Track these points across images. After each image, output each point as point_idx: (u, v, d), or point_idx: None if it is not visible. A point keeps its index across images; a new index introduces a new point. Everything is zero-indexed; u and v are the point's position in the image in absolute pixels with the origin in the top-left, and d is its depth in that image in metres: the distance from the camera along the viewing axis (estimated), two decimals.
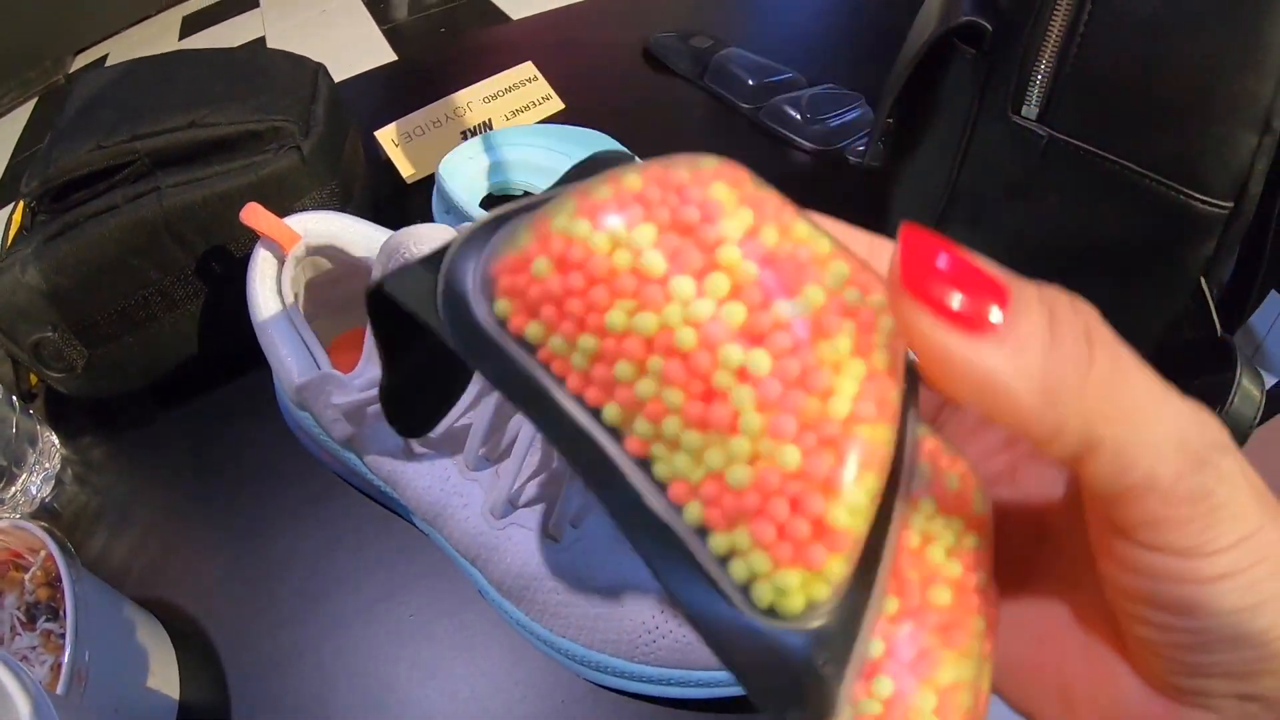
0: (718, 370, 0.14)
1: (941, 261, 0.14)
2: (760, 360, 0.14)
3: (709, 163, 0.16)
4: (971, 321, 0.13)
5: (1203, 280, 0.37)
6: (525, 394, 0.15)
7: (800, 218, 0.16)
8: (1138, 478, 0.14)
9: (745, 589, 0.14)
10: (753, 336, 0.14)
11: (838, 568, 0.14)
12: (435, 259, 0.17)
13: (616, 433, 0.14)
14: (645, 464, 0.14)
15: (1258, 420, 0.34)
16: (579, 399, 0.15)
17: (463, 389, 0.26)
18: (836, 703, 0.14)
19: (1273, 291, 0.41)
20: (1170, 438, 0.14)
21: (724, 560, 0.14)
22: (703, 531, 0.14)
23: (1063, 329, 0.14)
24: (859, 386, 0.14)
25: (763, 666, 0.14)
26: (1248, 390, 0.34)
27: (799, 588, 0.13)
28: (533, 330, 0.15)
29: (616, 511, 0.14)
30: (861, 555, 0.14)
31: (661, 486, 0.14)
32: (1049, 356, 0.13)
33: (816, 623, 0.14)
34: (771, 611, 0.14)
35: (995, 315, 0.14)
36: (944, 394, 0.14)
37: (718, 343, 0.14)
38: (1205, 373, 0.38)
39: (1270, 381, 0.36)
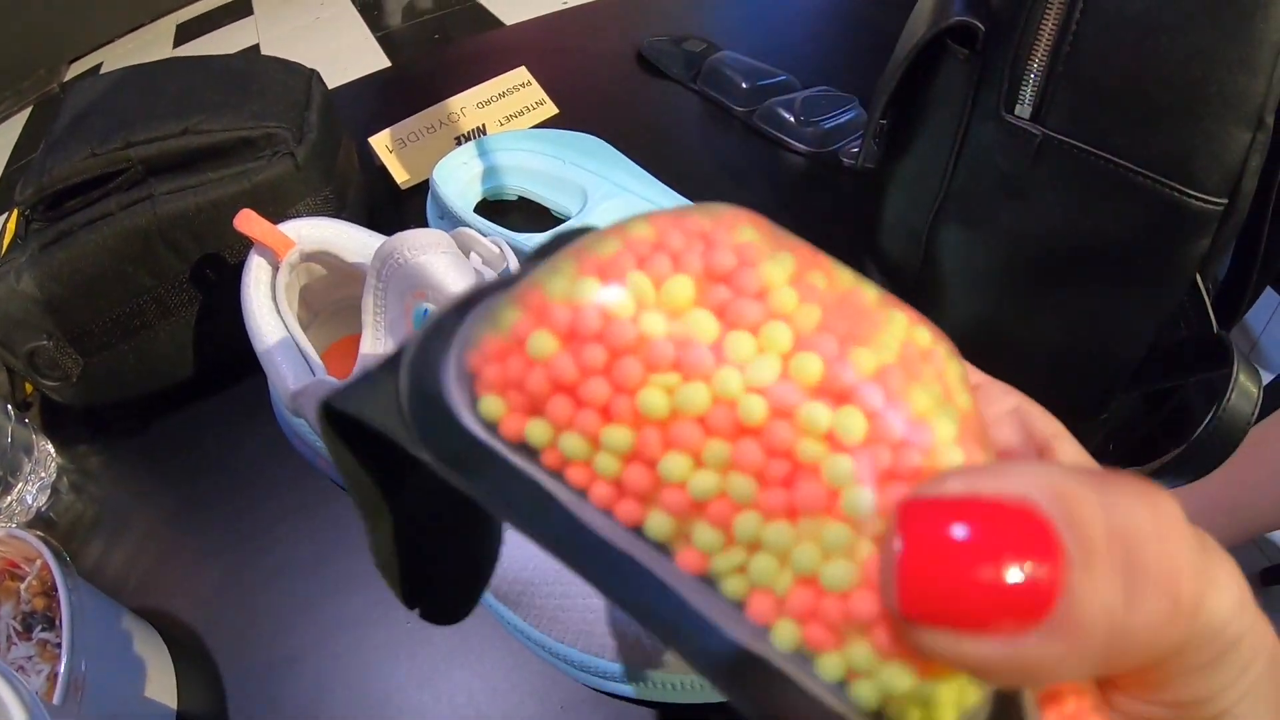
0: (802, 440, 0.11)
1: (956, 540, 0.10)
2: (853, 421, 0.11)
3: (725, 208, 0.13)
4: (1014, 621, 0.10)
5: (1198, 277, 0.37)
6: (535, 514, 0.12)
7: (833, 260, 0.13)
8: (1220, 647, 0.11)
9: (878, 717, 0.11)
10: (836, 394, 0.11)
11: None
12: (393, 362, 0.13)
13: (665, 549, 0.12)
14: (709, 582, 0.11)
15: (1255, 416, 0.34)
16: (609, 514, 0.12)
17: (497, 545, 0.20)
18: None
19: (1268, 289, 0.41)
20: (1235, 599, 0.12)
21: (842, 685, 0.11)
22: (804, 656, 0.11)
23: (1142, 579, 0.10)
24: (957, 432, 0.12)
25: None
26: (1245, 386, 0.34)
27: (952, 699, 0.11)
28: (535, 432, 0.12)
29: (688, 653, 0.11)
30: None
31: (737, 605, 0.11)
32: (1118, 628, 0.10)
33: None
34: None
35: (1046, 603, 0.10)
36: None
37: (795, 407, 0.11)
38: (1202, 370, 0.38)
39: (1266, 378, 0.36)
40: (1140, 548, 0.10)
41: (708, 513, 0.11)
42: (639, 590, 0.12)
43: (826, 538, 0.11)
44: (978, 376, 0.18)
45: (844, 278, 0.13)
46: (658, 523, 0.11)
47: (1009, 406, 0.18)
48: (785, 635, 0.11)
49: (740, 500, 0.11)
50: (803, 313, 0.12)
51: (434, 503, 0.17)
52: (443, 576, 0.18)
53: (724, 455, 0.11)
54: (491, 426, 0.12)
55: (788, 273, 0.12)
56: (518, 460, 0.12)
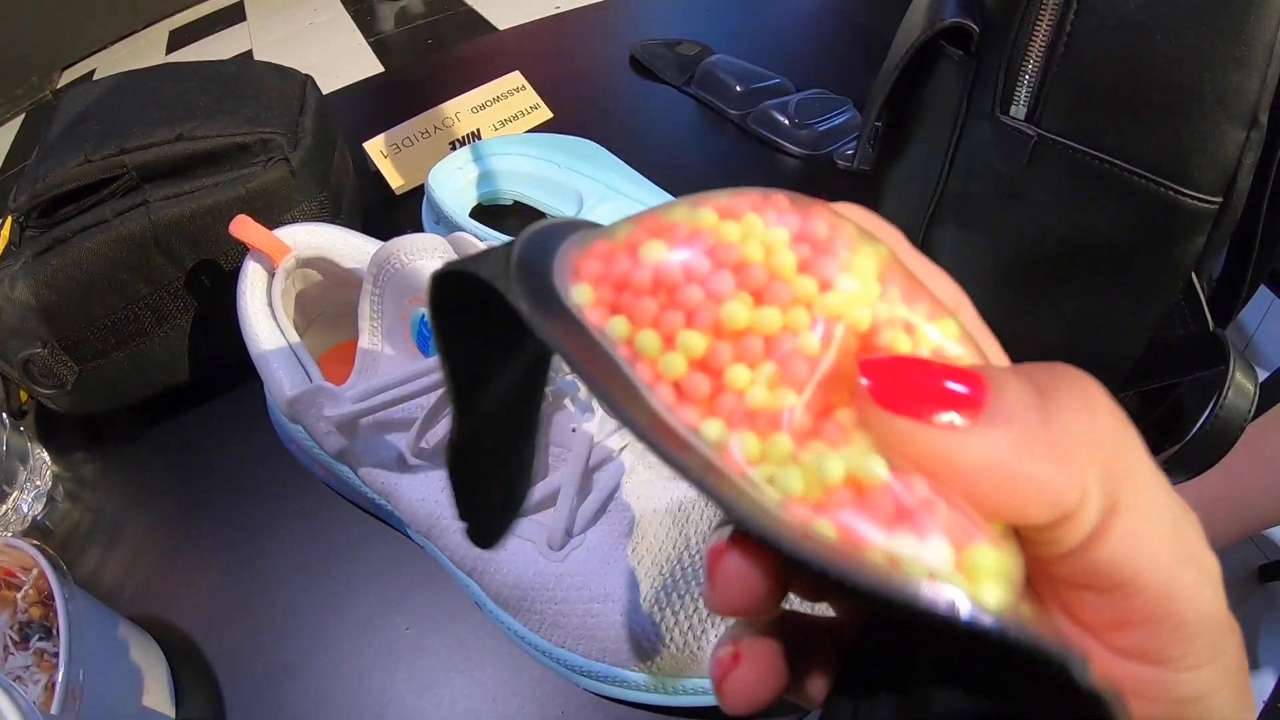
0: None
1: (908, 372, 0.13)
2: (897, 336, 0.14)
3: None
4: (954, 412, 0.13)
5: (1194, 276, 0.37)
6: (610, 386, 0.13)
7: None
8: (1146, 559, 0.13)
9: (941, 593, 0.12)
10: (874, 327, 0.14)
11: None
12: (508, 246, 0.15)
13: (718, 447, 0.13)
14: (754, 485, 0.13)
15: (1251, 414, 0.34)
16: (671, 410, 0.13)
17: (529, 482, 0.22)
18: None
19: (1261, 287, 0.41)
20: (1168, 516, 0.13)
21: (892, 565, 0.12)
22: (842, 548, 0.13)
23: (1056, 390, 0.13)
24: (965, 350, 0.15)
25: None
26: (1241, 384, 0.34)
27: (994, 565, 0.13)
28: (617, 325, 0.14)
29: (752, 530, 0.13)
30: None
31: (781, 502, 0.13)
32: (1048, 415, 0.13)
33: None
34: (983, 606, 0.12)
35: (975, 400, 0.13)
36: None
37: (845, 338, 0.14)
38: (1198, 368, 0.38)
39: (1262, 375, 0.36)
40: (1044, 378, 0.13)
41: (756, 422, 0.13)
42: (685, 468, 0.13)
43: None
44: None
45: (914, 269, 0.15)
46: (712, 426, 0.13)
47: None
48: (823, 528, 0.13)
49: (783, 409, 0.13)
50: (865, 287, 0.14)
51: (500, 416, 0.18)
52: (487, 502, 0.20)
53: (776, 374, 0.13)
54: (579, 309, 0.14)
55: (873, 261, 0.14)
56: (603, 339, 0.14)
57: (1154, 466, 0.14)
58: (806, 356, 0.13)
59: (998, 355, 0.18)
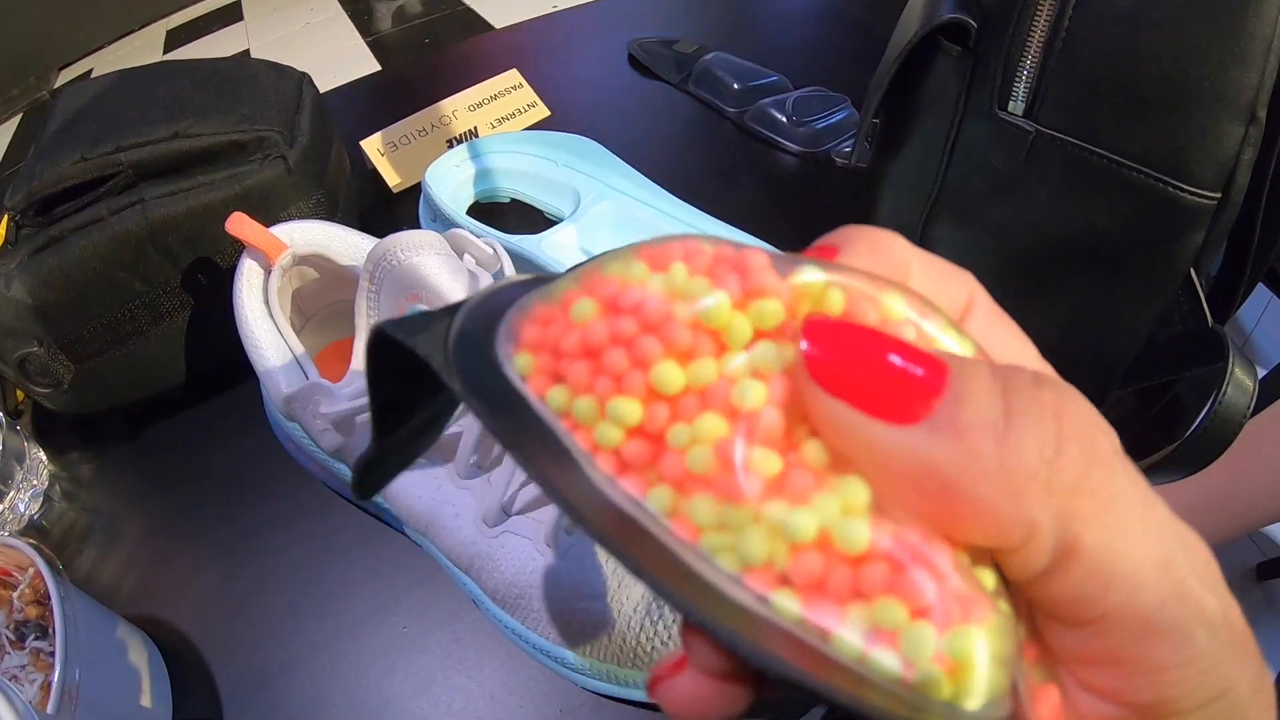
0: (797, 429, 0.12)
1: (856, 344, 0.12)
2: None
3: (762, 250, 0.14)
4: (899, 407, 0.11)
5: (1192, 272, 0.37)
6: (550, 462, 0.13)
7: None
8: (1117, 600, 0.12)
9: (902, 681, 0.11)
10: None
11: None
12: (450, 310, 0.14)
13: (663, 518, 0.12)
14: (705, 555, 0.12)
15: (1251, 410, 0.34)
16: (614, 481, 0.12)
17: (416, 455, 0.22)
18: None
19: (1259, 285, 0.41)
20: (1154, 556, 0.12)
21: (865, 649, 0.11)
22: (809, 628, 0.11)
23: (1022, 407, 0.12)
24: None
25: None
26: (1240, 380, 0.34)
27: (985, 648, 0.11)
28: (556, 396, 0.13)
29: (705, 623, 0.12)
30: None
31: (736, 578, 0.12)
32: (1004, 441, 0.11)
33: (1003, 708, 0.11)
34: (954, 699, 0.11)
35: (930, 390, 0.11)
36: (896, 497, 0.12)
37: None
38: (1197, 364, 0.38)
39: (1260, 373, 0.36)
40: (1016, 388, 0.12)
41: (707, 485, 0.12)
42: (637, 552, 0.12)
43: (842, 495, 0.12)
44: (1047, 369, 0.17)
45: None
46: (659, 495, 0.12)
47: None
48: (786, 604, 0.12)
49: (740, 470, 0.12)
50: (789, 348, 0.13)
51: (414, 436, 0.18)
52: (385, 469, 0.19)
53: (720, 426, 0.12)
54: (521, 380, 0.13)
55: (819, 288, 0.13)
56: (544, 412, 0.13)
57: (1142, 499, 0.13)
58: (751, 404, 0.12)
59: (1020, 344, 0.17)
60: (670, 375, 0.12)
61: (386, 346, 0.15)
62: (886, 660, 0.11)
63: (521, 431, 0.13)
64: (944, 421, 0.11)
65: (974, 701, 0.11)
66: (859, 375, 0.11)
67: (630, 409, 0.12)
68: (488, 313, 0.14)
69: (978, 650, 0.11)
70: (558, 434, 0.13)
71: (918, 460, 0.11)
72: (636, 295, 0.13)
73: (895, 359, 0.12)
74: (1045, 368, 0.17)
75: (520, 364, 0.13)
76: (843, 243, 0.16)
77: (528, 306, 0.14)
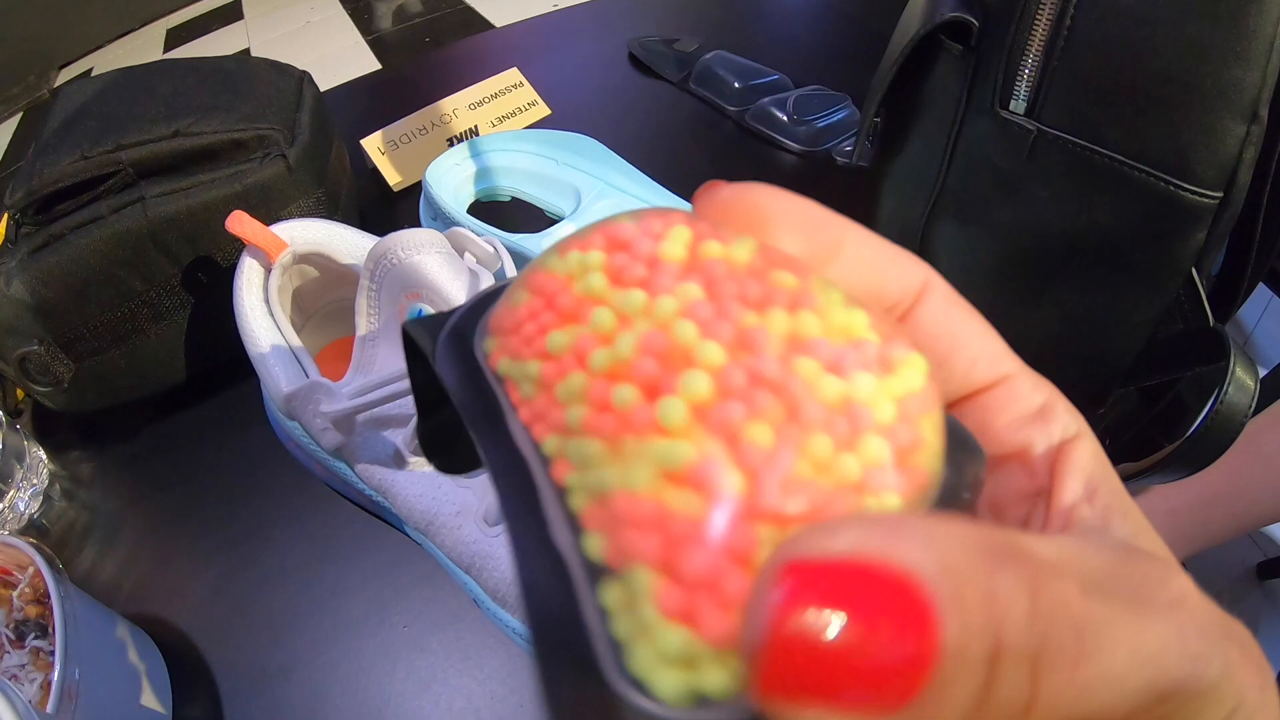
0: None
1: (833, 633, 0.09)
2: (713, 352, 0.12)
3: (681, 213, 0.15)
4: (876, 703, 0.09)
5: (1194, 271, 0.37)
6: (483, 417, 0.14)
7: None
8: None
9: (620, 648, 0.11)
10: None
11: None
12: (454, 310, 0.17)
13: (547, 462, 0.13)
14: (564, 493, 0.12)
15: (1252, 409, 0.34)
16: (527, 430, 0.14)
17: None
18: None
19: (1260, 285, 0.41)
20: (1165, 659, 0.11)
21: (609, 613, 0.11)
22: (598, 569, 0.11)
23: (1005, 672, 0.10)
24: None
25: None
26: (1241, 379, 0.34)
27: (683, 661, 0.10)
28: (503, 364, 0.15)
29: (519, 557, 0.12)
30: None
31: (574, 518, 0.12)
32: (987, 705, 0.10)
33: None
34: (643, 688, 0.10)
35: (909, 680, 0.09)
36: None
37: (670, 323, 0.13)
38: (1199, 363, 0.38)
39: (1261, 373, 0.36)
40: (1005, 650, 0.10)
41: (584, 429, 0.12)
42: (515, 490, 0.13)
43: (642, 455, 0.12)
44: (1012, 364, 0.17)
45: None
46: (552, 443, 0.13)
47: (1037, 403, 0.17)
48: (593, 545, 0.12)
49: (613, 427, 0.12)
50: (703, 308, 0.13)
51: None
52: (460, 448, 0.22)
53: (592, 383, 0.13)
54: (485, 357, 0.15)
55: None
56: (494, 383, 0.15)
57: (1132, 629, 0.11)
58: (620, 356, 0.13)
59: (994, 344, 0.17)
60: (556, 340, 0.14)
61: (410, 340, 0.17)
62: (622, 626, 0.11)
63: (478, 399, 0.15)
64: (924, 706, 0.09)
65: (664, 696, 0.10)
66: (835, 683, 0.09)
67: (533, 367, 0.14)
68: (478, 305, 0.16)
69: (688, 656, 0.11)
70: (500, 397, 0.14)
71: None
72: (544, 278, 0.14)
73: (879, 656, 0.09)
74: (1013, 361, 0.17)
75: (486, 346, 0.15)
76: (762, 223, 0.15)
77: (501, 299, 0.16)
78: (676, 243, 0.14)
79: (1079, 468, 0.16)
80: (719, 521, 0.11)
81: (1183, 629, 0.12)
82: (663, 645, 0.10)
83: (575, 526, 0.12)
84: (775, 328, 0.13)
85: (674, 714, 0.10)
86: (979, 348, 0.17)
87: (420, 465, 0.41)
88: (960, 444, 0.15)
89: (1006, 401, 0.17)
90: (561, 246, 0.15)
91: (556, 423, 0.13)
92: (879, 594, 0.09)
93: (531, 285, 0.15)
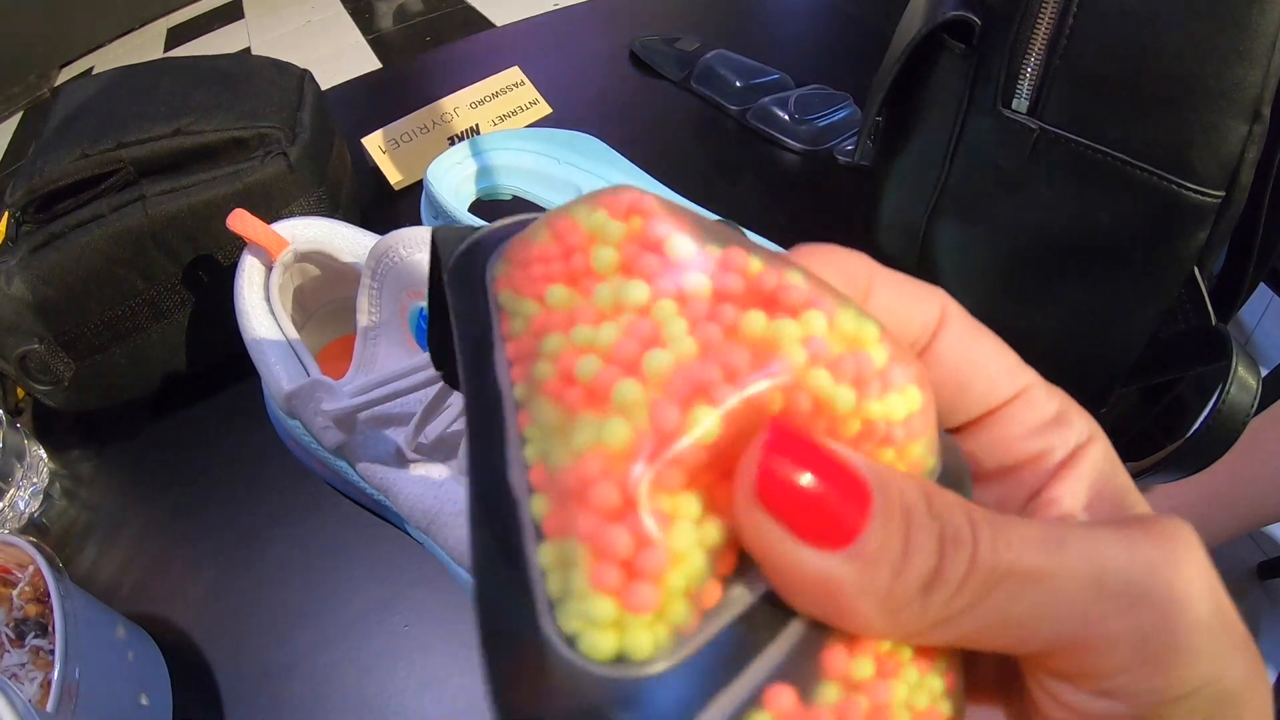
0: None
1: (804, 474, 0.12)
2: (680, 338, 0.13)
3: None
4: (826, 536, 0.12)
5: (1196, 270, 0.37)
6: (473, 339, 0.15)
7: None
8: (1048, 638, 0.13)
9: (553, 605, 0.12)
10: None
11: (677, 613, 0.12)
12: (477, 229, 0.17)
13: (516, 406, 0.14)
14: (523, 442, 0.13)
15: (1254, 409, 0.34)
16: (509, 366, 0.14)
17: None
18: None
19: (1260, 285, 0.41)
20: (1077, 586, 0.13)
21: (545, 571, 0.12)
22: (540, 530, 0.12)
23: (917, 538, 0.13)
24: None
25: (548, 687, 0.11)
26: (1243, 379, 0.34)
27: (609, 625, 0.11)
28: (505, 295, 0.15)
29: (474, 482, 0.13)
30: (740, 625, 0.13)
31: (526, 469, 0.13)
32: (899, 573, 0.12)
33: (630, 673, 0.12)
34: (571, 642, 0.12)
35: (853, 531, 0.12)
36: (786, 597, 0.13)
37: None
38: (1201, 362, 0.38)
39: (1262, 372, 0.36)
40: (917, 518, 0.13)
41: (547, 392, 0.13)
42: (484, 425, 0.14)
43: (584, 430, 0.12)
44: (1027, 375, 0.18)
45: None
46: (521, 389, 0.14)
47: (1052, 411, 0.17)
48: (538, 506, 0.12)
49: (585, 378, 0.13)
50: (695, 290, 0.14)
51: None
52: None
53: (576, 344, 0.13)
54: (492, 281, 0.15)
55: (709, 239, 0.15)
56: (493, 308, 0.15)
57: (1051, 538, 0.13)
58: (602, 339, 0.13)
59: (1009, 360, 0.18)
60: (555, 294, 0.14)
61: (434, 247, 0.18)
62: (554, 582, 0.12)
63: (474, 320, 0.15)
64: (858, 552, 0.12)
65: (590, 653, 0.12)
66: (800, 506, 0.12)
67: (528, 306, 0.14)
68: (505, 230, 0.17)
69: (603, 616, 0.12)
70: (493, 322, 0.15)
71: (828, 579, 0.12)
72: (566, 226, 0.15)
73: (831, 492, 0.12)
74: (1028, 374, 0.18)
75: (497, 270, 0.15)
76: (801, 259, 0.17)
77: (524, 230, 0.16)
78: (686, 241, 0.14)
79: (1088, 470, 0.17)
80: (638, 495, 0.12)
81: (1130, 537, 0.14)
82: (592, 612, 0.11)
83: (526, 480, 0.13)
84: (771, 330, 0.13)
85: (594, 669, 0.11)
86: (996, 367, 0.18)
87: (422, 464, 0.41)
88: (953, 464, 0.16)
89: (1024, 412, 0.18)
90: (593, 200, 0.15)
91: (530, 373, 0.14)
92: (835, 471, 0.13)
93: (554, 228, 0.15)
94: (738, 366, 0.13)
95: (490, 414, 0.14)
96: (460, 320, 0.15)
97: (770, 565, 0.13)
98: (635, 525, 0.12)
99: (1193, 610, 0.13)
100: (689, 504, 0.12)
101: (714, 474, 0.13)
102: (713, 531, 0.13)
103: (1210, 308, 0.37)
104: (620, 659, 0.11)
